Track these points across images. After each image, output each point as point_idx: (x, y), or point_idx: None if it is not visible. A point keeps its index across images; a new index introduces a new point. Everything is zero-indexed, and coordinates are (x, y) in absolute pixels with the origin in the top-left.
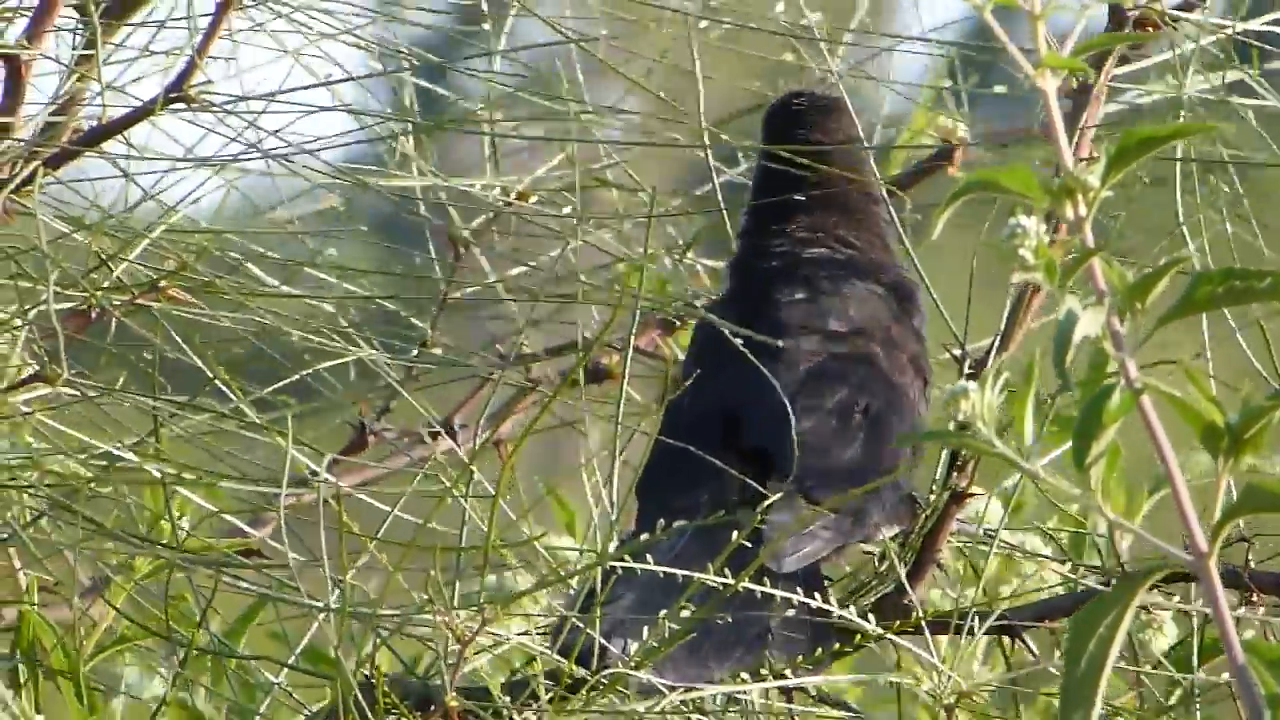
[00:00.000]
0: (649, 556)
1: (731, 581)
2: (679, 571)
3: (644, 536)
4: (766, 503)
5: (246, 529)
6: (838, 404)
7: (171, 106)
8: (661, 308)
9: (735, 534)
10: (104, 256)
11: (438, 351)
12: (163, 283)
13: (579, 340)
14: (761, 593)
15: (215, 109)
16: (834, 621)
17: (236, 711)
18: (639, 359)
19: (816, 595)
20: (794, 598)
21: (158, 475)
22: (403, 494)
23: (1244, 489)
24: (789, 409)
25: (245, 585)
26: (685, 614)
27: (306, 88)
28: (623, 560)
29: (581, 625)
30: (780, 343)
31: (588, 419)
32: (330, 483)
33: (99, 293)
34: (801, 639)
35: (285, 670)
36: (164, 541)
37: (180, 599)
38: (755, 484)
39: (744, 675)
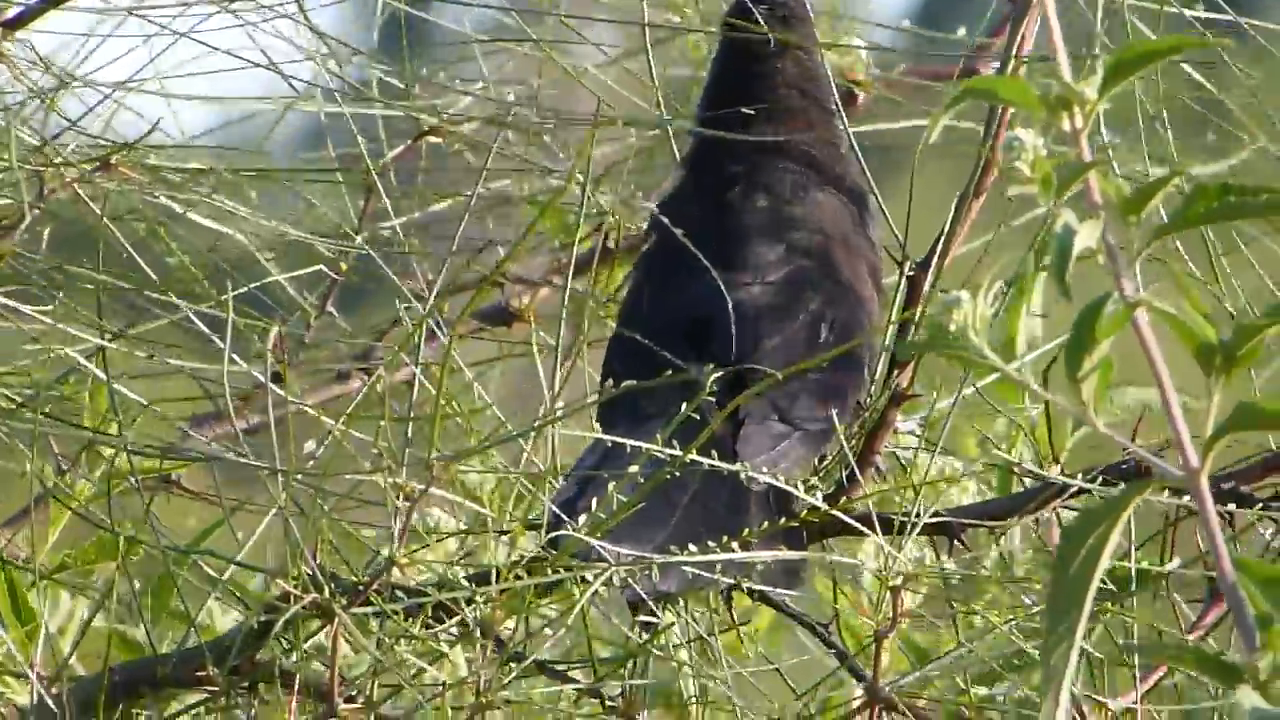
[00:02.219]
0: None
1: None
2: (636, 443)
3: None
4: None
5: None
6: (807, 317)
7: None
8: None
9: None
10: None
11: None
12: (114, 158)
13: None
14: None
15: None
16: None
17: (177, 615)
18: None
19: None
20: (760, 478)
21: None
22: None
23: (1236, 407)
24: (755, 329)
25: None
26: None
27: None
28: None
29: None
30: (743, 253)
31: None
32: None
33: (50, 168)
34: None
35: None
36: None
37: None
38: (726, 395)
39: (691, 548)
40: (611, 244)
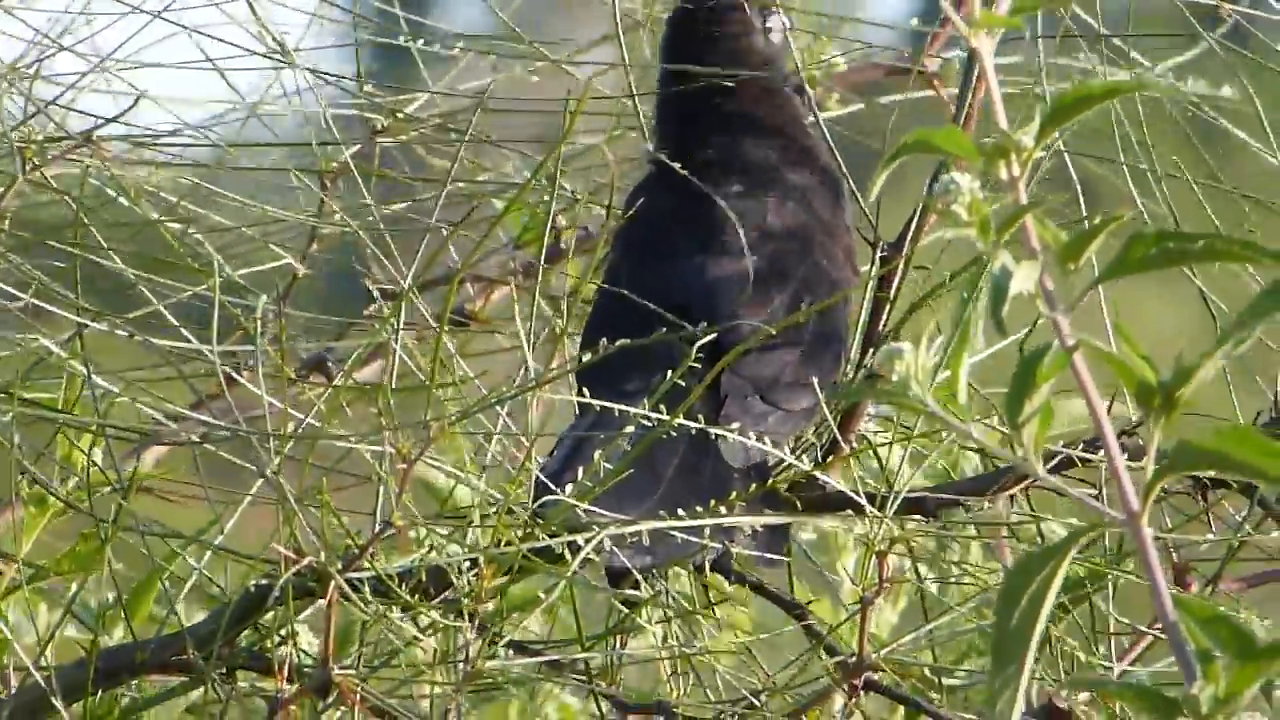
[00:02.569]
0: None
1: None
2: (626, 408)
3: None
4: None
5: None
6: (784, 299)
7: None
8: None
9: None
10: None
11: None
12: (95, 135)
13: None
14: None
15: None
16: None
17: (157, 620)
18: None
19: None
20: (747, 443)
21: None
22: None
23: (1176, 446)
24: (736, 305)
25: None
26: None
27: None
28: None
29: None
30: (721, 236)
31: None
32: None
33: (32, 144)
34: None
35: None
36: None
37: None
38: (690, 361)
39: (680, 512)
40: (564, 244)
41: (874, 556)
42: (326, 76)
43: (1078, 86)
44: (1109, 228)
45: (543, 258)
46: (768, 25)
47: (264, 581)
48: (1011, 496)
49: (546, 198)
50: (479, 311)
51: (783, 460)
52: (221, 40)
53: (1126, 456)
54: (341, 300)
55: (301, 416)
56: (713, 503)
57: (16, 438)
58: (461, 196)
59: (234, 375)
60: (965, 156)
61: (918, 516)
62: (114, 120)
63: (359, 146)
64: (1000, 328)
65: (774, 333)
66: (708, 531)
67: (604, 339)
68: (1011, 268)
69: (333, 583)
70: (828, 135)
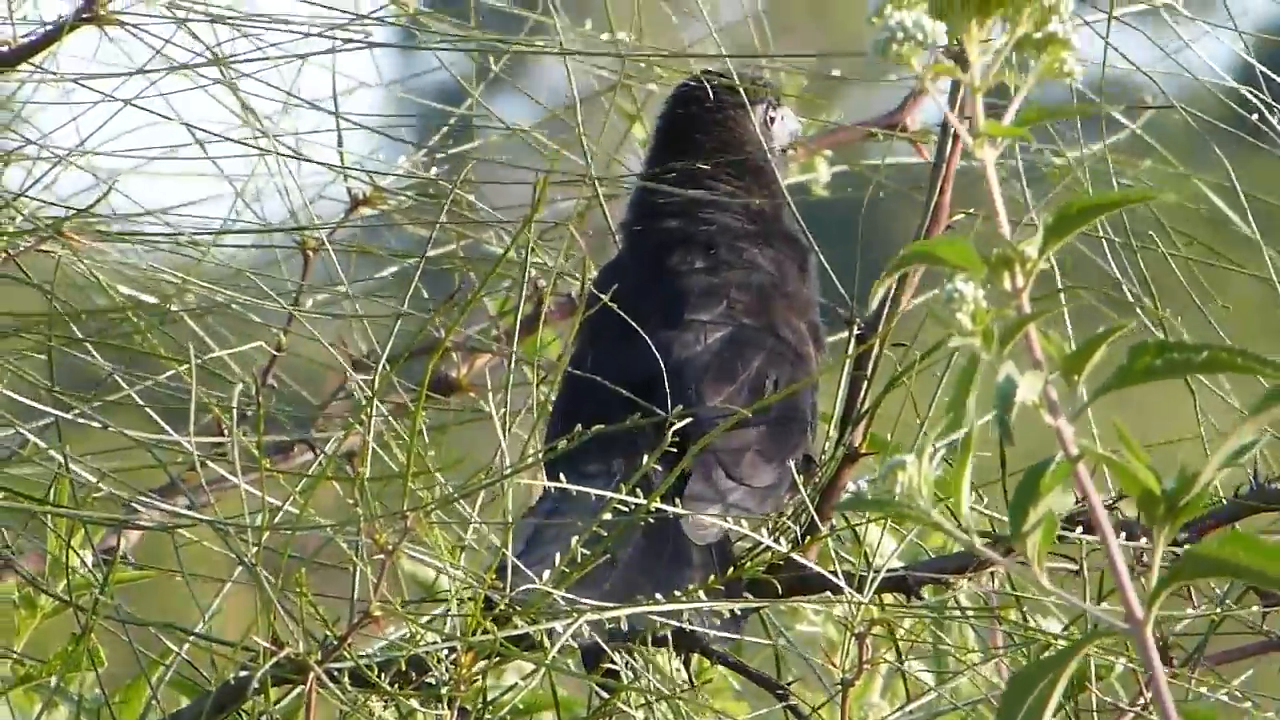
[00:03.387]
0: (567, 510)
1: (647, 506)
2: (597, 493)
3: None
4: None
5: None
6: (749, 378)
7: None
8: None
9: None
10: (7, 196)
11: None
12: (65, 226)
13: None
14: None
15: (129, 28)
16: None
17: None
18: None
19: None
20: (714, 520)
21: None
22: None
23: (1184, 555)
24: (698, 389)
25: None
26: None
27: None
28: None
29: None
30: (685, 314)
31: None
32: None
33: (3, 236)
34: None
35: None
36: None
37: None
38: (665, 447)
39: (658, 596)
40: (547, 307)
41: (854, 638)
42: (309, 159)
43: (1084, 197)
44: (1111, 338)
45: (517, 328)
46: (771, 117)
47: (243, 674)
48: (993, 574)
49: (523, 271)
50: (462, 379)
51: (748, 536)
52: (199, 128)
53: (1124, 536)
54: (322, 374)
55: (278, 504)
56: (690, 586)
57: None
58: (444, 266)
59: (209, 463)
60: (969, 268)
61: (899, 594)
62: (85, 211)
63: (334, 226)
64: (1007, 437)
65: (748, 414)
66: (686, 614)
67: (569, 422)
68: (1016, 378)
69: (312, 674)
70: (794, 209)
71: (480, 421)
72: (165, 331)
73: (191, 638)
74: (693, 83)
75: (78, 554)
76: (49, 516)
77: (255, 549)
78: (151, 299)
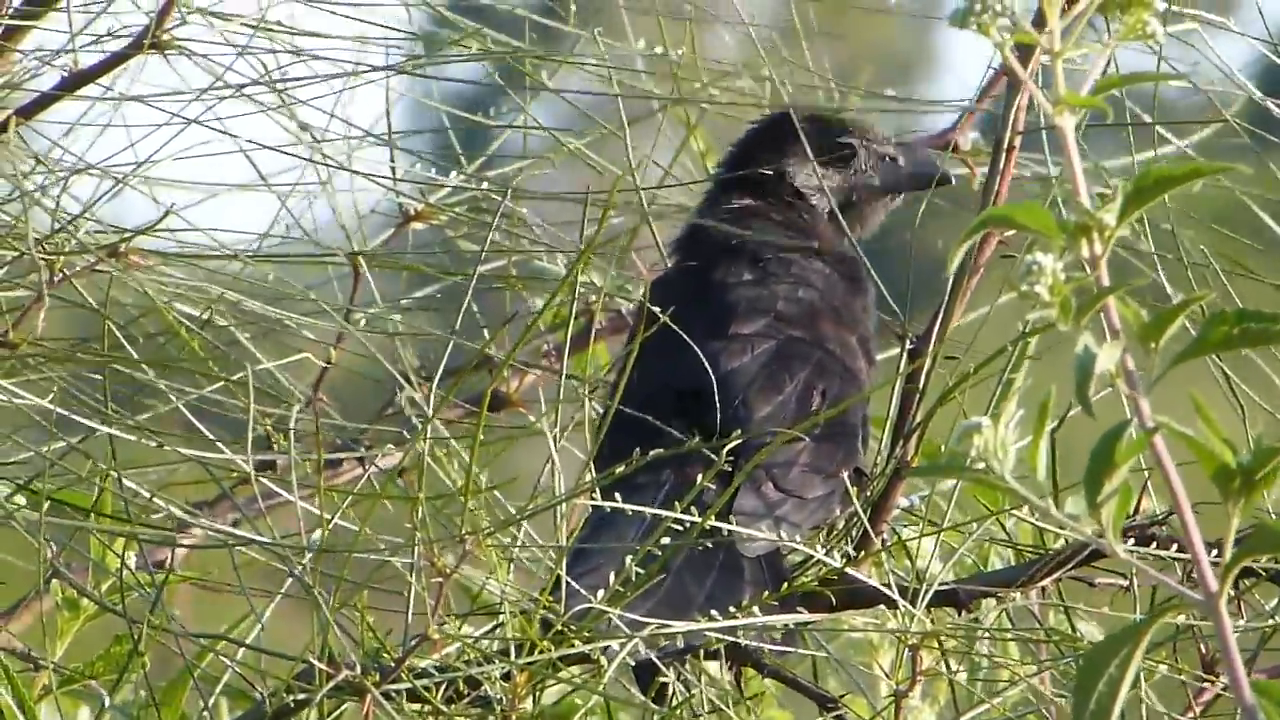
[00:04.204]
0: (618, 528)
1: (698, 524)
2: (649, 510)
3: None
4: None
5: (198, 511)
6: (796, 388)
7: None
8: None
9: (698, 510)
10: (66, 217)
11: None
12: (123, 247)
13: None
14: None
15: (192, 55)
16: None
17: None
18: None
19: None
20: (765, 538)
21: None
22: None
23: (1255, 530)
24: (745, 400)
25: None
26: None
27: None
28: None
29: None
30: (732, 326)
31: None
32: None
33: (61, 256)
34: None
35: (245, 651)
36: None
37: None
38: (720, 466)
39: (714, 613)
40: (597, 324)
41: (907, 651)
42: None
43: (1159, 168)
44: (1189, 307)
45: (567, 344)
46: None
47: (301, 696)
48: (1043, 588)
49: (573, 291)
50: (513, 394)
51: (797, 548)
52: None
53: (1154, 545)
54: (372, 389)
55: (332, 519)
56: (744, 601)
57: (52, 545)
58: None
59: (262, 479)
60: (1047, 234)
61: (949, 609)
62: (141, 232)
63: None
64: (1087, 408)
65: (801, 435)
66: (740, 630)
67: (618, 433)
68: (1094, 348)
69: (369, 695)
70: (847, 228)
71: (528, 437)
72: (218, 345)
73: (245, 647)
74: (769, 119)
75: (122, 561)
76: (99, 529)
77: (311, 569)
78: (202, 313)
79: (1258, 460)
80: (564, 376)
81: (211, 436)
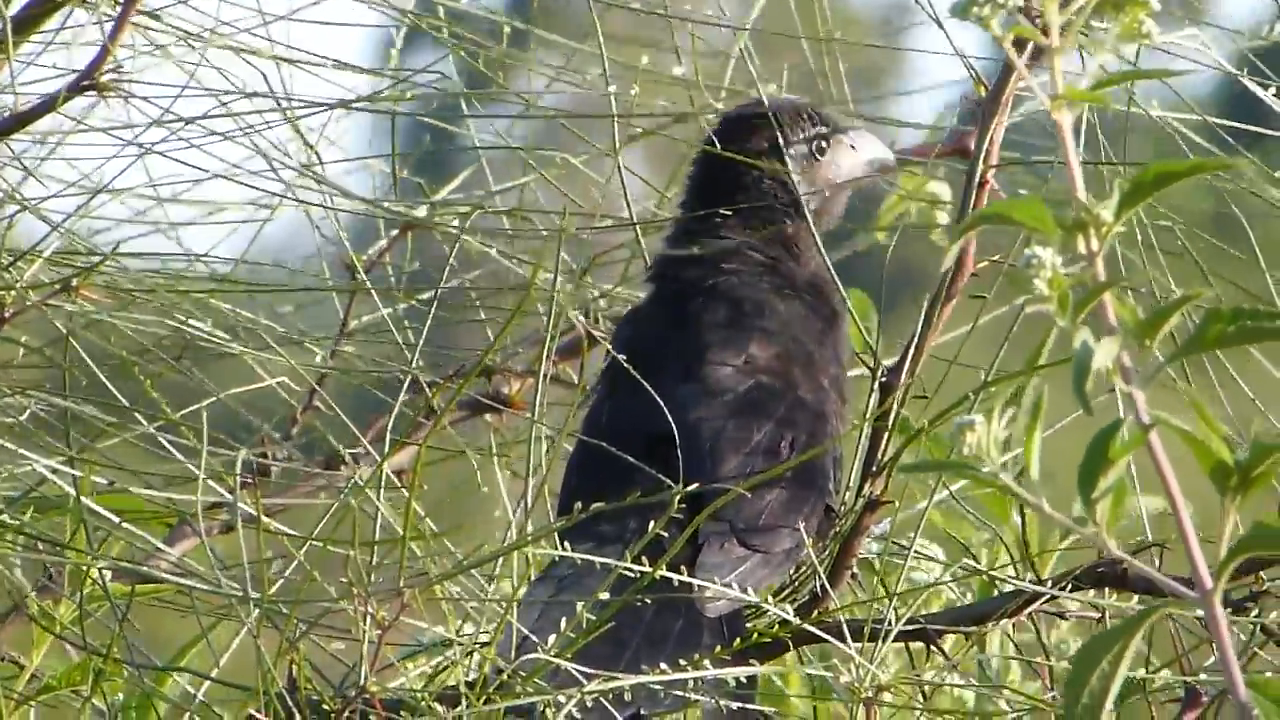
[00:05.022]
0: (572, 577)
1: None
2: (601, 560)
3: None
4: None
5: (161, 546)
6: (764, 439)
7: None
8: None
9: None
10: (15, 252)
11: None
12: (75, 281)
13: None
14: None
15: (127, 96)
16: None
17: None
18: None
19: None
20: (716, 595)
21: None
22: (322, 502)
23: (1251, 527)
24: (714, 446)
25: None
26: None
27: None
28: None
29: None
30: (703, 369)
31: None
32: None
33: (11, 290)
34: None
35: (206, 684)
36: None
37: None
38: (672, 516)
39: (664, 666)
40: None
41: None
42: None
43: (1160, 163)
44: (1186, 304)
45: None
46: (821, 148)
47: None
48: (1015, 624)
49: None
50: (515, 395)
51: (762, 607)
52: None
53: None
54: (369, 396)
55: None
56: (696, 656)
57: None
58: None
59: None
60: (1044, 230)
61: (918, 645)
62: (93, 270)
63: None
64: (1084, 404)
65: (746, 493)
66: (691, 684)
67: (584, 475)
68: (1092, 344)
69: None
70: (822, 249)
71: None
72: (186, 373)
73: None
74: (724, 123)
75: (81, 593)
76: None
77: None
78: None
79: (1255, 457)
80: (539, 411)
81: (158, 475)
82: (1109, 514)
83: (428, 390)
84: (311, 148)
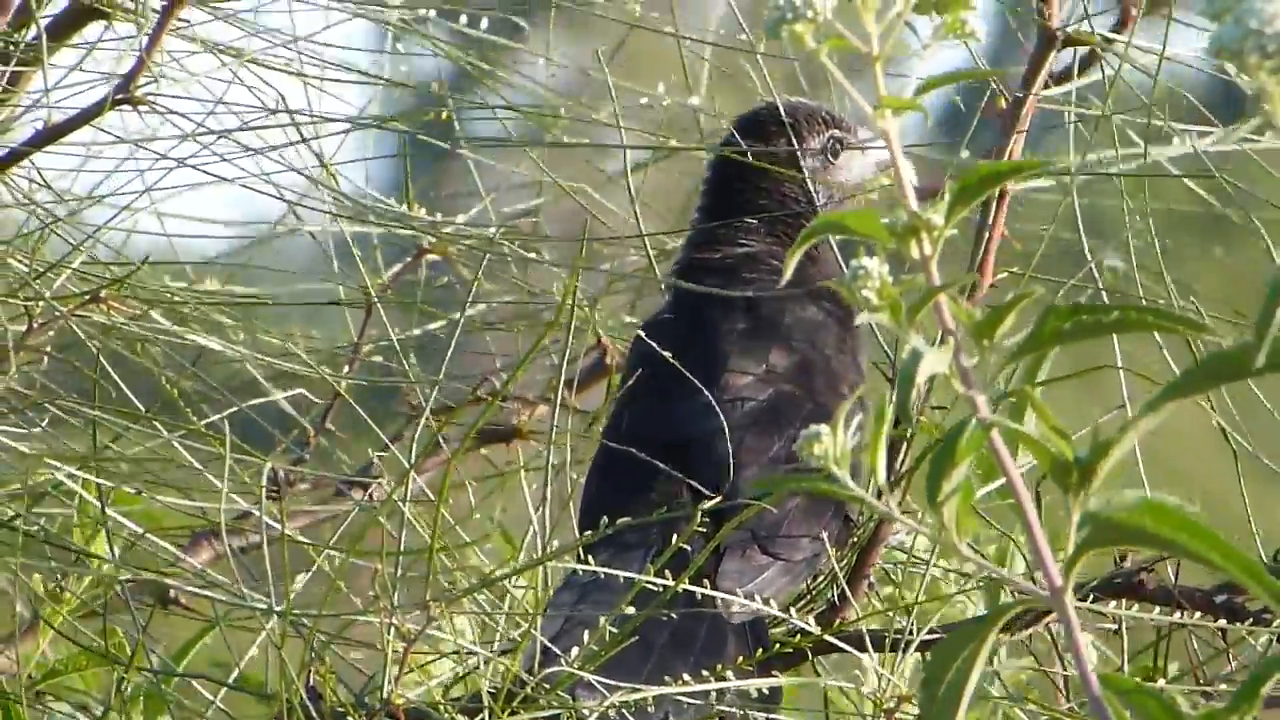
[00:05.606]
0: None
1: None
2: (622, 573)
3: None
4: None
5: (181, 555)
6: (785, 446)
7: (118, 108)
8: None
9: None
10: (45, 264)
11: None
12: (104, 292)
13: (483, 391)
14: (701, 600)
15: (163, 110)
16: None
17: None
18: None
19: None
20: (739, 603)
21: (98, 486)
22: (346, 510)
23: (1091, 523)
24: (734, 455)
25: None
26: (627, 622)
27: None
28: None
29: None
30: (723, 377)
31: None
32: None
33: (40, 301)
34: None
35: (224, 691)
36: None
37: (113, 633)
38: (696, 528)
39: (686, 677)
40: (609, 359)
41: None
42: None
43: (984, 165)
44: (1020, 304)
45: (560, 384)
46: (835, 149)
47: None
48: (1031, 635)
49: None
50: (522, 425)
51: (782, 617)
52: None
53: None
54: (386, 415)
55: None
56: (718, 665)
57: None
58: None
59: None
60: (875, 237)
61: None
62: (120, 281)
63: (403, 265)
64: (906, 416)
65: (771, 508)
66: (713, 694)
67: (605, 483)
68: (923, 350)
69: None
70: (844, 265)
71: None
72: (211, 384)
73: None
74: (741, 126)
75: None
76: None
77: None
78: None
79: (1095, 455)
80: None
81: (179, 488)
82: (956, 514)
83: (431, 423)
84: (327, 165)
